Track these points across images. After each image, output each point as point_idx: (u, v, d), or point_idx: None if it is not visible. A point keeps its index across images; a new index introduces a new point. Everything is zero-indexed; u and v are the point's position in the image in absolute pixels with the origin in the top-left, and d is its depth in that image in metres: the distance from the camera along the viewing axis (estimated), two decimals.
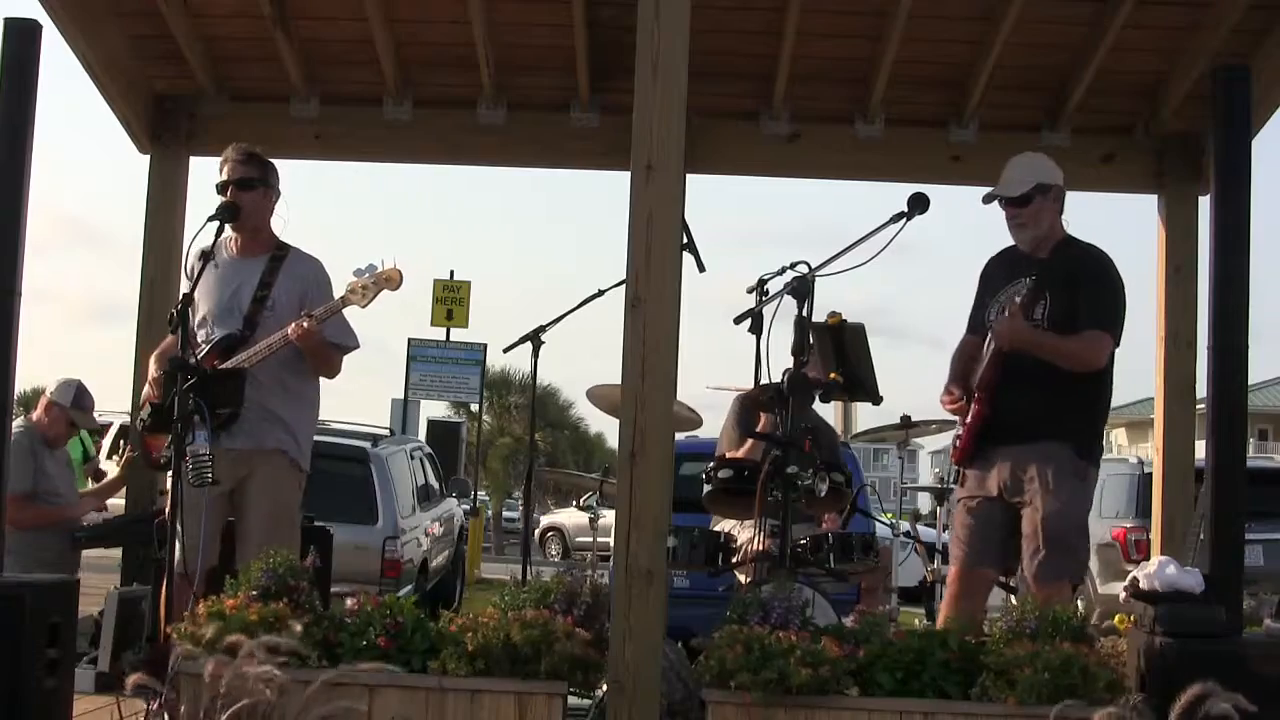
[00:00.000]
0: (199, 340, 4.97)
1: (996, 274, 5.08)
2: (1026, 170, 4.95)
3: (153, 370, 5.16)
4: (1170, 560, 4.08)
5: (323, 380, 5.25)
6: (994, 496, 4.86)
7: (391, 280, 5.01)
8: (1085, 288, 4.78)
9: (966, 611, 4.74)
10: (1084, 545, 4.93)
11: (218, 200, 5.05)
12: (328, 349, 5.08)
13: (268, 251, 5.15)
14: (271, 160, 5.24)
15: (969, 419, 4.90)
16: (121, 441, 6.03)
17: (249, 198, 5.07)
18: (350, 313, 5.05)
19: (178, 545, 4.48)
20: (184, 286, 5.14)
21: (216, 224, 4.93)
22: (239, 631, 3.68)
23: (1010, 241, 5.04)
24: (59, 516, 6.73)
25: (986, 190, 5.02)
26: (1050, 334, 4.75)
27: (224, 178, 5.08)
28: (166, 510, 5.05)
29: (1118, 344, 4.85)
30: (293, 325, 4.91)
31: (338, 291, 5.09)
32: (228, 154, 5.14)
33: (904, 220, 4.82)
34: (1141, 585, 4.02)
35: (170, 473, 4.94)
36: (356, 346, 5.19)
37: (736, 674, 3.71)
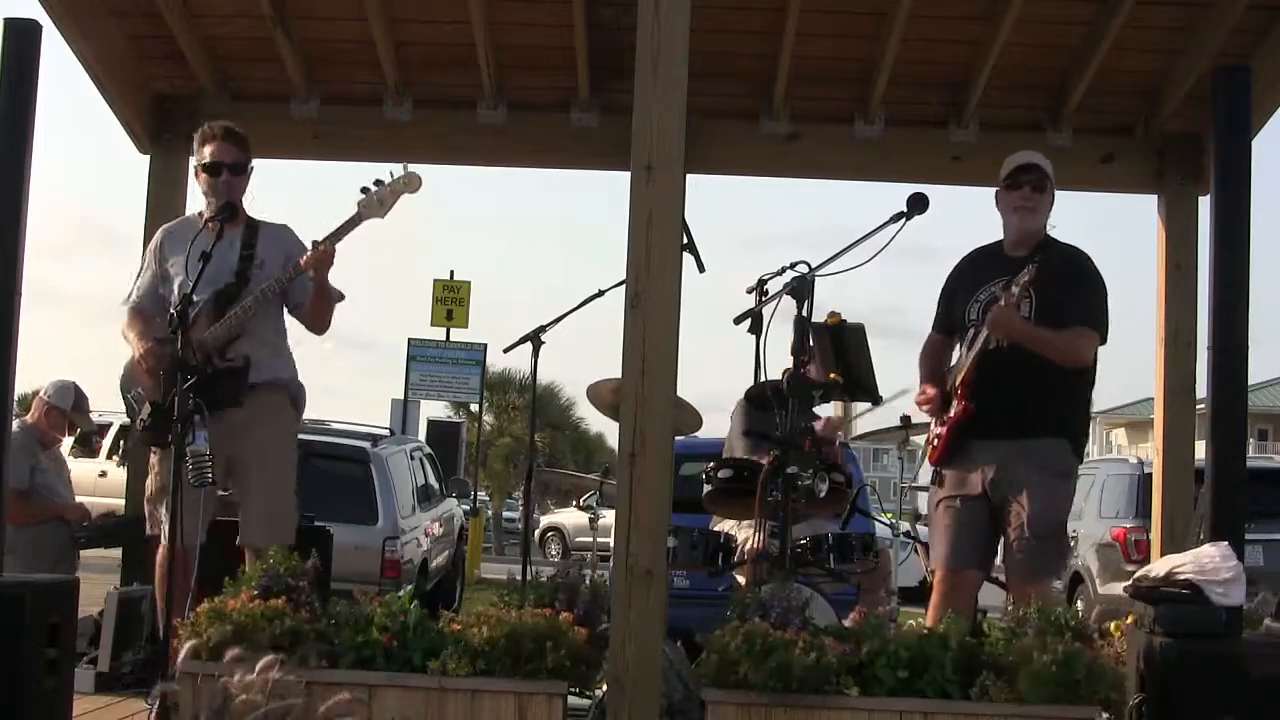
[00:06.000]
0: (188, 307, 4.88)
1: (970, 274, 5.08)
2: (1044, 161, 4.98)
3: (139, 346, 5.07)
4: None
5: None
6: (976, 495, 4.85)
7: (411, 184, 4.99)
8: (1075, 286, 4.79)
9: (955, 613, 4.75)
10: (1067, 541, 5.01)
11: (205, 178, 5.10)
12: (330, 290, 5.07)
13: (240, 224, 5.19)
14: (245, 134, 5.25)
15: (951, 417, 4.89)
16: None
17: (239, 181, 5.14)
18: (352, 301, 5.05)
19: (178, 546, 4.48)
20: (158, 267, 5.14)
21: (203, 215, 4.99)
22: (242, 632, 3.69)
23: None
24: (52, 511, 6.77)
25: (988, 190, 5.03)
26: (1042, 327, 4.74)
27: (213, 158, 5.09)
28: (149, 482, 5.08)
29: (1104, 342, 4.87)
30: (308, 254, 4.92)
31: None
32: (210, 132, 5.15)
33: (903, 220, 4.82)
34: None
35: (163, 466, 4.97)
36: (344, 297, 5.21)
37: (738, 665, 3.71)
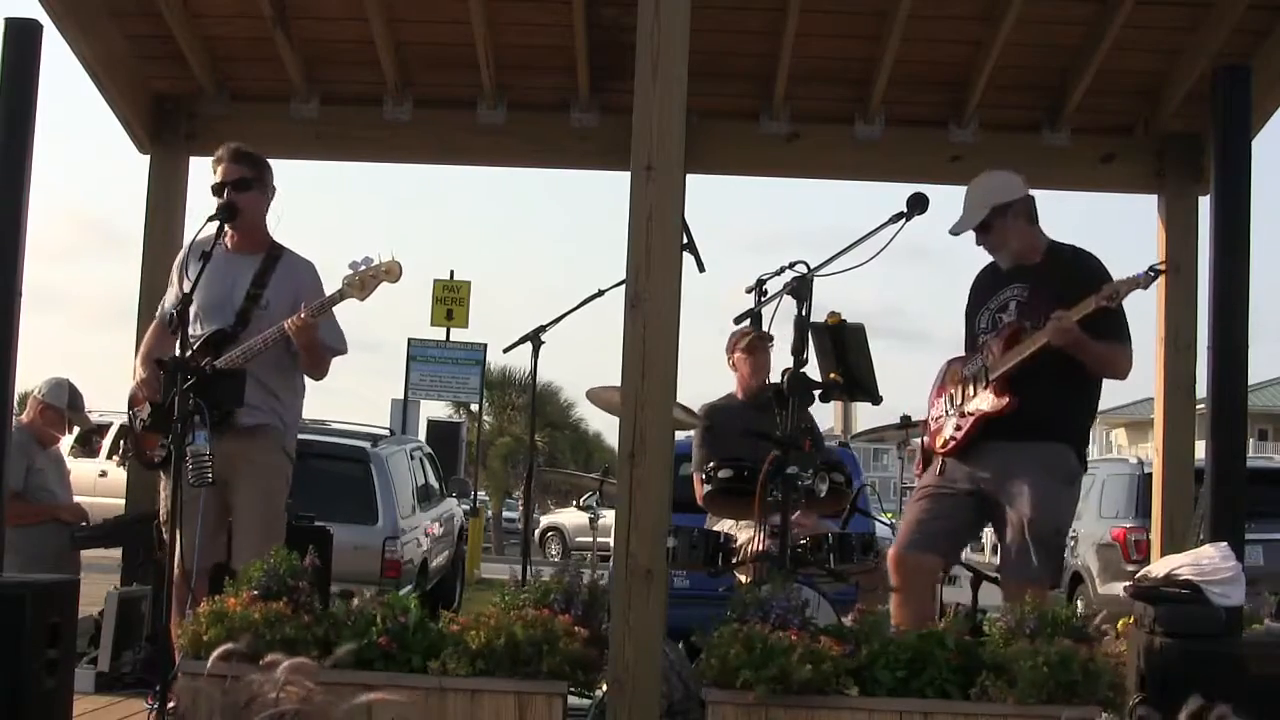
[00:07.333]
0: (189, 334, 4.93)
1: (985, 285, 5.06)
2: (981, 196, 4.92)
3: (140, 371, 5.13)
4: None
5: (318, 381, 5.24)
6: (969, 491, 4.82)
7: (391, 272, 4.99)
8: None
9: (914, 606, 4.73)
10: (1063, 548, 4.93)
11: (215, 200, 5.03)
12: (321, 348, 5.07)
13: (262, 250, 5.13)
14: (265, 158, 5.21)
15: (987, 410, 4.76)
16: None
17: (245, 198, 5.03)
18: (349, 305, 5.03)
19: (177, 545, 4.47)
20: (179, 286, 5.13)
21: (215, 225, 4.93)
22: (242, 632, 3.68)
23: None
24: (48, 513, 6.76)
25: None
26: (1097, 340, 4.64)
27: (218, 179, 5.04)
28: (161, 511, 5.06)
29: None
30: (290, 319, 4.90)
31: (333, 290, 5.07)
32: (220, 154, 5.11)
33: (903, 220, 4.81)
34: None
35: (167, 473, 4.95)
36: (345, 350, 5.19)
37: (739, 671, 3.71)
